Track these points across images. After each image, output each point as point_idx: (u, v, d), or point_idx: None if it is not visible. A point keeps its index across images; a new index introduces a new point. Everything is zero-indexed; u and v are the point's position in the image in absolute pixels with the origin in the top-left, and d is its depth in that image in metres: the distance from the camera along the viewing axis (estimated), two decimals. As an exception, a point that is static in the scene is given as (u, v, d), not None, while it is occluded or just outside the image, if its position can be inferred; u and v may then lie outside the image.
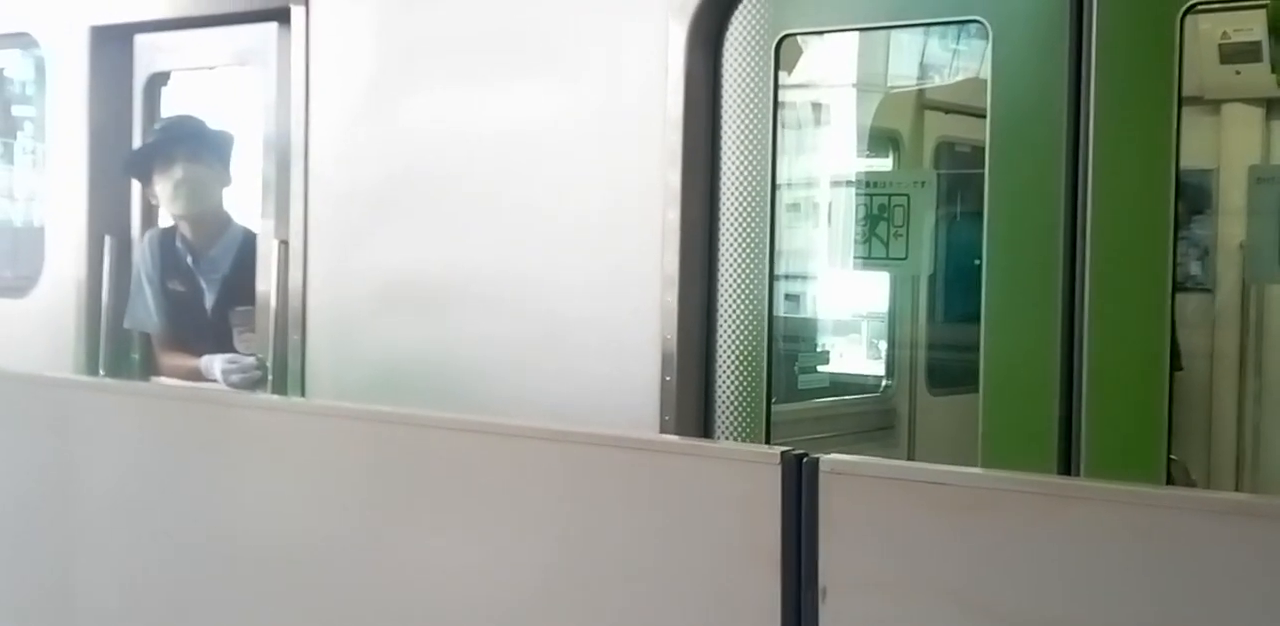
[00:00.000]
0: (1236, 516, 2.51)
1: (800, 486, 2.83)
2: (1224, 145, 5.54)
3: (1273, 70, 5.36)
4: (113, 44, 5.54)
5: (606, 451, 3.23)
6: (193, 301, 5.40)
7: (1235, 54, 5.26)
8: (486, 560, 3.36)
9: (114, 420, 4.16)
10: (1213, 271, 5.43)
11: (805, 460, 2.83)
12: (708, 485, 2.99)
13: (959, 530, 2.69)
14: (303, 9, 4.89)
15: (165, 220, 5.56)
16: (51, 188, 5.76)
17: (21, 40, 5.83)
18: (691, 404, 4.09)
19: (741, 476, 2.94)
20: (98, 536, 4.15)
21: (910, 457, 5.88)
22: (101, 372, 5.46)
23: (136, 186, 5.54)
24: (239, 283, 5.28)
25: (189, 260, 5.40)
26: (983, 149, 3.62)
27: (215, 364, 5.24)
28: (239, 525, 3.83)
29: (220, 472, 3.89)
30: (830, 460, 2.83)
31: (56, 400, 4.34)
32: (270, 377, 4.97)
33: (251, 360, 5.17)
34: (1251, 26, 5.18)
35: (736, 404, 4.07)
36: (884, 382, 6.09)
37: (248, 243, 5.38)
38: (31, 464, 4.35)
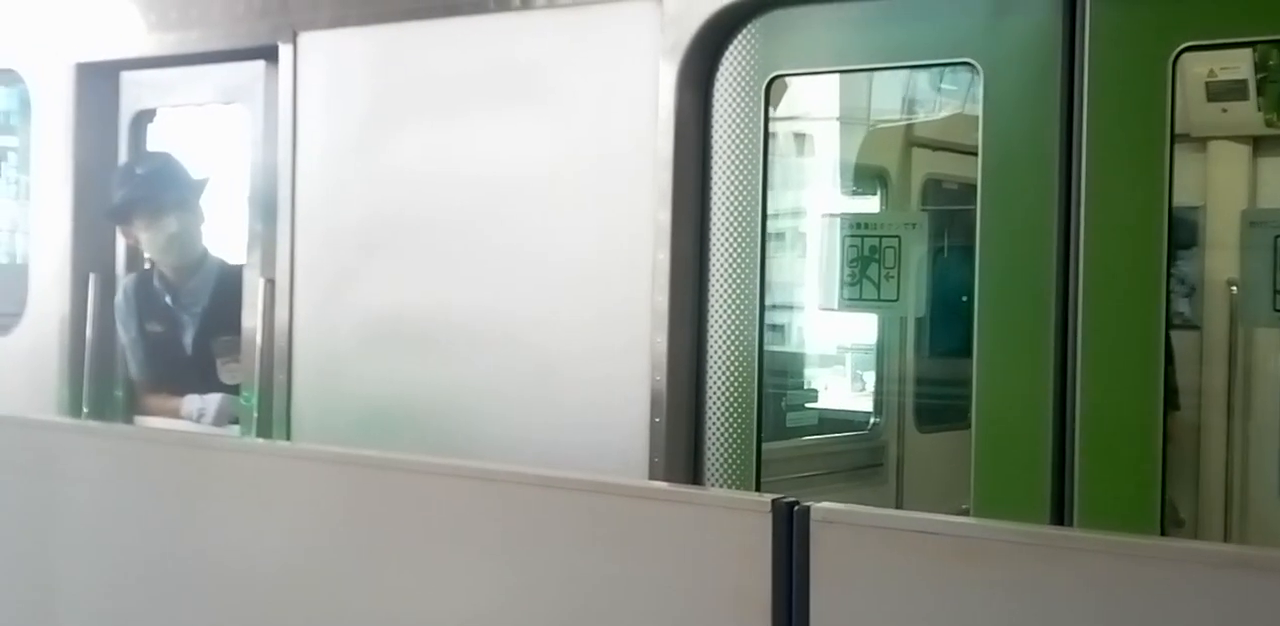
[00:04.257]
0: (1229, 569, 2.52)
1: (791, 535, 2.84)
2: (1211, 182, 5.55)
3: (1258, 109, 5.39)
4: (99, 81, 5.51)
5: (595, 498, 3.22)
6: (172, 340, 5.36)
7: (1222, 92, 5.28)
8: (470, 606, 3.35)
9: (91, 461, 4.16)
10: (1200, 309, 5.43)
11: (796, 508, 2.83)
12: (698, 532, 2.99)
13: (950, 580, 2.70)
14: (290, 47, 4.88)
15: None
16: (36, 224, 5.72)
17: (6, 77, 5.79)
18: (681, 445, 4.06)
19: (732, 524, 2.94)
20: (76, 575, 4.16)
21: (899, 496, 5.87)
22: (85, 412, 5.40)
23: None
24: (219, 314, 5.25)
25: (167, 298, 5.36)
26: (971, 186, 3.61)
27: (192, 404, 5.21)
28: (216, 566, 3.82)
29: (197, 514, 3.89)
30: (821, 508, 2.83)
31: (35, 441, 4.33)
32: (255, 417, 4.92)
33: (218, 396, 5.15)
34: (1238, 65, 5.20)
35: (726, 445, 4.05)
36: (872, 420, 6.07)
37: (225, 274, 5.36)
38: (9, 504, 4.33)
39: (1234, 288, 4.92)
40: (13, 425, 4.41)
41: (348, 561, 3.59)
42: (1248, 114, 5.35)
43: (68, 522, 4.19)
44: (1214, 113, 5.29)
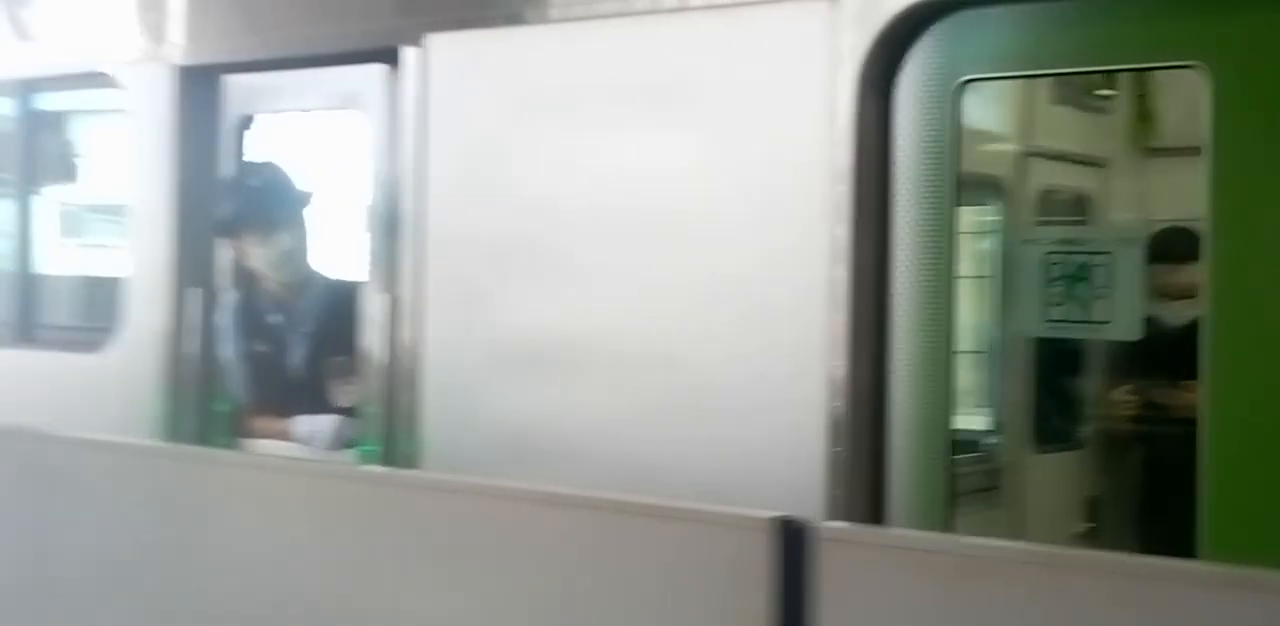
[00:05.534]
0: (1232, 589, 2.55)
1: (796, 553, 2.88)
2: None
3: None
4: (200, 85, 5.23)
5: (597, 514, 3.26)
6: (280, 360, 5.07)
7: None
8: (466, 622, 3.37)
9: (89, 474, 4.27)
10: None
11: (800, 527, 2.90)
12: (701, 550, 3.03)
13: (958, 599, 2.70)
14: (416, 50, 4.59)
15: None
16: (131, 237, 5.44)
17: (98, 80, 5.51)
18: (863, 478, 3.77)
19: (733, 542, 2.98)
20: (74, 589, 4.38)
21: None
22: (187, 435, 5.12)
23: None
24: (331, 333, 4.97)
25: (274, 317, 5.07)
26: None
27: (303, 427, 4.94)
28: (212, 579, 3.94)
29: (195, 527, 4.02)
30: (826, 527, 2.92)
31: (32, 453, 4.48)
32: (379, 445, 4.63)
33: (331, 418, 4.87)
34: None
35: (913, 478, 3.76)
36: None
37: (336, 291, 5.08)
38: (8, 516, 4.39)
39: None
40: (10, 437, 4.29)
41: (344, 576, 3.62)
42: None
43: (66, 535, 4.28)
44: None
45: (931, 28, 3.74)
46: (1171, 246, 4.18)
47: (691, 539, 3.03)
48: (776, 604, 2.90)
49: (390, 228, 4.69)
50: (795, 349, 3.84)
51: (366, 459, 4.68)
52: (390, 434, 4.64)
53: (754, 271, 3.94)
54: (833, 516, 3.71)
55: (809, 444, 3.80)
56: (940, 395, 3.73)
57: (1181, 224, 4.12)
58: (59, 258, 6.43)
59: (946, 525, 3.68)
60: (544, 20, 4.34)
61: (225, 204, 4.97)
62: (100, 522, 4.52)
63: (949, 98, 3.72)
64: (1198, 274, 3.32)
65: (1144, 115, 5.76)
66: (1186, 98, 3.51)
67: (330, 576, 3.65)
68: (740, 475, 3.89)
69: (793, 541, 2.87)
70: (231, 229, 4.97)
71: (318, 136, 5.20)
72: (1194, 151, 3.35)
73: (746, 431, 3.93)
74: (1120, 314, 3.52)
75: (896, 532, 3.03)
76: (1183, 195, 3.58)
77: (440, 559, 3.47)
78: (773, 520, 2.90)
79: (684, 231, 4.08)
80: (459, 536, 3.46)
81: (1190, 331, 3.35)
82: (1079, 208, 5.89)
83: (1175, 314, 4.61)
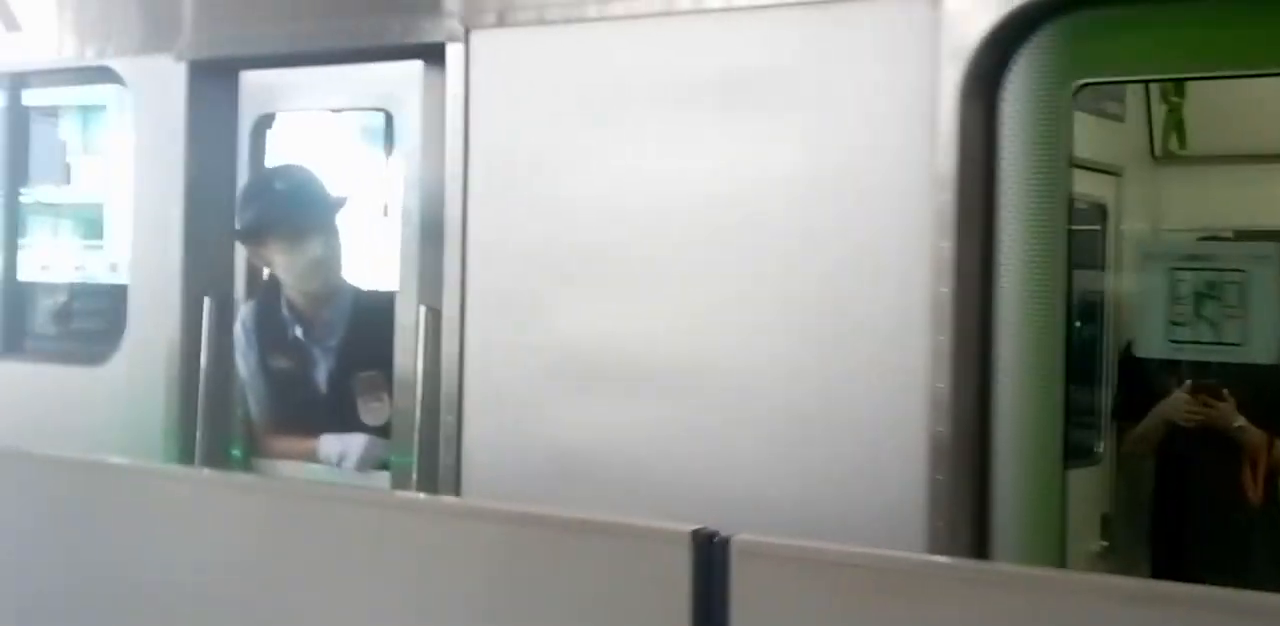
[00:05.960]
0: (1143, 603, 2.59)
1: (711, 566, 2.88)
2: None
3: None
4: (214, 81, 4.90)
5: (513, 528, 3.24)
6: (302, 376, 4.74)
7: None
8: None
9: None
10: None
11: (716, 539, 2.89)
12: (619, 564, 3.02)
13: (872, 612, 2.71)
14: (460, 47, 4.30)
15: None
16: (137, 240, 5.09)
17: (101, 75, 5.15)
18: (968, 507, 3.52)
19: (653, 555, 2.96)
20: None
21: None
22: (198, 454, 4.79)
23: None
24: (358, 347, 4.66)
25: (297, 330, 4.74)
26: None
27: (331, 447, 4.61)
28: (127, 592, 3.91)
29: (113, 539, 3.96)
30: (742, 540, 2.88)
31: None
32: (415, 466, 4.32)
33: (361, 438, 4.56)
34: None
35: (1019, 507, 3.51)
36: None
37: (363, 302, 4.77)
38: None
39: None
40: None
41: (262, 589, 3.61)
42: None
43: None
44: None
45: (1043, 27, 3.50)
46: None
47: (615, 551, 3.03)
48: (696, 615, 2.91)
49: (429, 235, 4.40)
50: (894, 368, 3.59)
51: (398, 479, 4.38)
52: (427, 454, 4.34)
53: (845, 284, 3.69)
54: (934, 549, 3.48)
55: (908, 471, 3.55)
56: (1050, 420, 3.49)
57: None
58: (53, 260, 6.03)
59: (1061, 559, 3.45)
60: (607, 16, 4.05)
61: (249, 208, 4.63)
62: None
63: (1063, 102, 3.48)
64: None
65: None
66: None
67: (244, 590, 3.68)
68: (830, 505, 3.64)
69: (712, 554, 2.88)
70: (256, 235, 4.63)
71: (344, 137, 4.87)
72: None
73: (837, 458, 3.67)
74: (1255, 335, 3.30)
75: (811, 545, 2.94)
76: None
77: (356, 571, 3.43)
78: (692, 532, 2.90)
79: (764, 241, 3.81)
80: (377, 550, 3.43)
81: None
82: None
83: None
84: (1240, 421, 4.49)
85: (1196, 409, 4.54)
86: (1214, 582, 2.73)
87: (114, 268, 7.66)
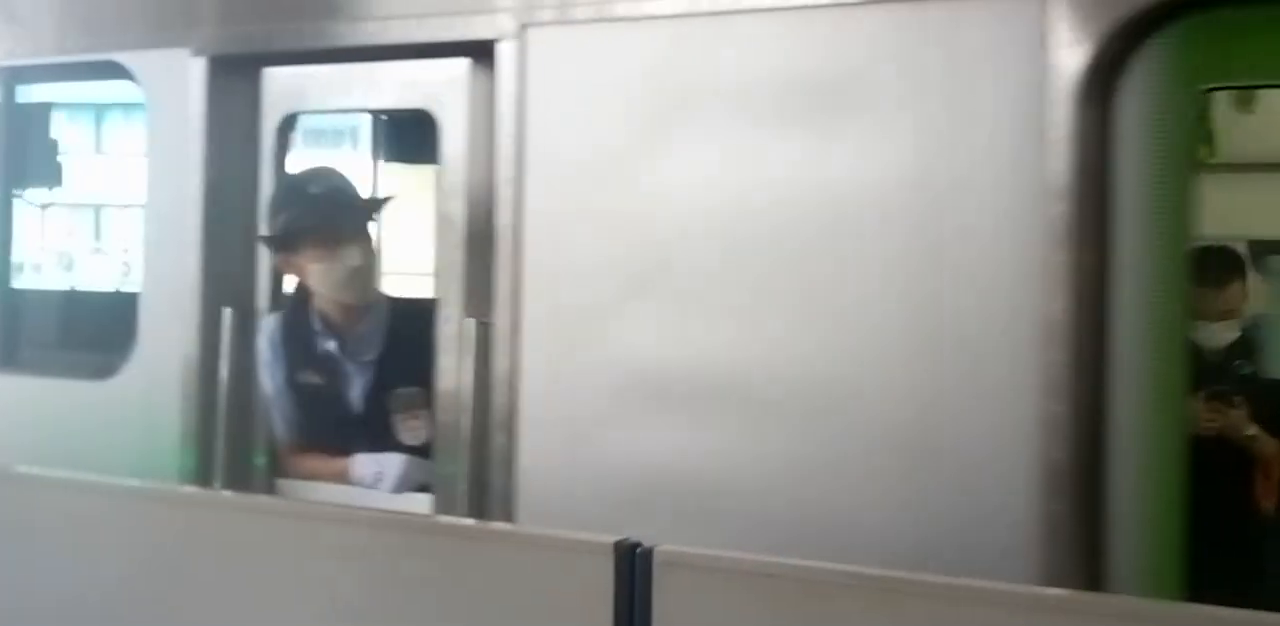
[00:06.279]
0: (1073, 616, 2.57)
1: (634, 577, 2.87)
2: None
3: None
4: (235, 78, 4.60)
5: (433, 540, 3.24)
6: (334, 393, 4.45)
7: None
8: None
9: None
10: None
11: (639, 551, 2.88)
12: (541, 575, 3.01)
13: (793, 623, 2.71)
14: (514, 44, 4.04)
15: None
16: (149, 247, 4.78)
17: (109, 70, 4.84)
18: (1083, 540, 3.31)
19: (575, 566, 2.96)
20: None
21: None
22: (219, 473, 4.49)
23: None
24: (396, 362, 4.39)
25: (331, 345, 4.45)
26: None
27: (366, 467, 4.33)
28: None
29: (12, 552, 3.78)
30: (664, 551, 2.87)
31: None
32: (466, 490, 4.05)
33: (399, 458, 4.29)
34: None
35: (1138, 542, 3.30)
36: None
37: (400, 313, 4.50)
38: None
39: None
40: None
41: (167, 601, 3.52)
42: None
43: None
44: None
45: (1165, 29, 3.30)
46: None
47: (538, 562, 3.02)
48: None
49: (475, 243, 4.13)
50: (1001, 391, 3.37)
51: (444, 501, 4.12)
52: (477, 477, 4.07)
53: (951, 300, 3.47)
54: (1049, 584, 3.26)
55: (1020, 500, 3.33)
56: (1172, 446, 3.29)
57: None
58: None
59: (1186, 595, 3.24)
60: (685, 12, 3.80)
61: (281, 214, 4.34)
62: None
63: (1187, 107, 3.28)
64: None
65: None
66: None
67: (145, 602, 3.58)
68: (938, 535, 3.41)
69: (635, 564, 2.87)
70: (287, 242, 4.34)
71: (379, 138, 4.59)
72: None
73: (940, 486, 3.44)
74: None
75: (733, 556, 2.90)
76: None
77: (271, 584, 3.37)
78: (615, 543, 2.90)
79: (856, 254, 3.58)
80: (291, 561, 3.36)
81: None
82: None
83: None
84: None
85: None
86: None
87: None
